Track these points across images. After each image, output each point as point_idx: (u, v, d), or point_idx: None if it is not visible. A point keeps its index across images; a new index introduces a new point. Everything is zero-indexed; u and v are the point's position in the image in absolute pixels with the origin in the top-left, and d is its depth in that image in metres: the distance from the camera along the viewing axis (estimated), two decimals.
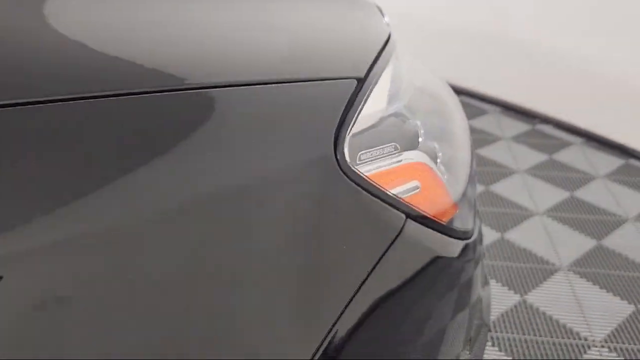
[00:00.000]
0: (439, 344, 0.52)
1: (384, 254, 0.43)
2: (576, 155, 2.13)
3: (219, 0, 0.49)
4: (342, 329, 0.41)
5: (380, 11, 0.65)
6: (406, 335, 0.48)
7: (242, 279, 0.38)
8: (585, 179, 1.95)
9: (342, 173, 0.43)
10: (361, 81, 0.48)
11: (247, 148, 0.38)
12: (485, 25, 2.44)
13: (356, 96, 0.47)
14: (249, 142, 0.39)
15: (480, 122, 2.38)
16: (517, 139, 2.24)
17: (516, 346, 1.24)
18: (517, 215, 1.73)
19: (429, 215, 0.49)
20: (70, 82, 0.35)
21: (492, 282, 1.43)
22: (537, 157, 2.10)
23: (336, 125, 0.44)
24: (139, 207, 0.34)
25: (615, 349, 1.24)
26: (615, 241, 1.60)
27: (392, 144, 0.48)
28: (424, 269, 0.47)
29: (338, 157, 0.43)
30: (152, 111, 0.37)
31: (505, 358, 1.22)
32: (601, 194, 1.86)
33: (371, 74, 0.49)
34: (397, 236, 0.45)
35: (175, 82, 0.38)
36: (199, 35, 0.44)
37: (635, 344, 1.25)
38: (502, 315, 1.32)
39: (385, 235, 0.45)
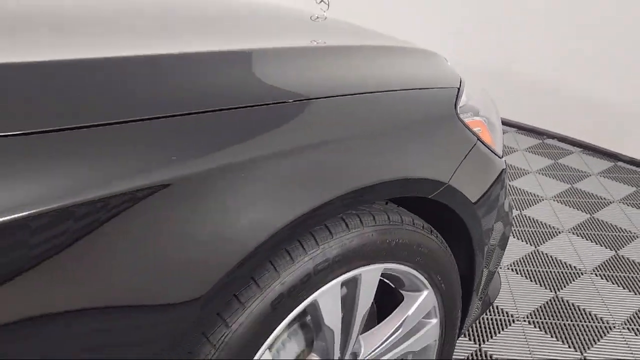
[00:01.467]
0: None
1: (468, 153, 1.03)
2: (575, 159, 2.73)
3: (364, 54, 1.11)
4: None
5: (445, 59, 1.27)
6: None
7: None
8: (582, 175, 2.55)
9: (458, 118, 1.03)
10: (458, 89, 1.10)
11: (416, 105, 1.00)
12: (498, 62, 3.08)
13: (457, 93, 1.08)
14: (417, 106, 1.00)
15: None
16: (530, 149, 2.85)
17: None
18: (529, 199, 2.32)
19: (484, 141, 1.09)
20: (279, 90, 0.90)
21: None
22: (545, 162, 2.70)
23: (454, 103, 1.05)
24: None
25: None
26: (604, 215, 2.19)
27: (469, 112, 1.09)
28: (485, 162, 1.08)
29: (457, 113, 1.04)
30: (346, 110, 0.92)
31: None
32: (594, 185, 2.45)
33: (460, 86, 1.11)
34: (474, 146, 1.04)
35: (365, 89, 0.98)
36: (372, 76, 1.04)
37: None
38: None
39: (469, 144, 1.03)
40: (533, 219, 2.15)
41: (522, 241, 1.99)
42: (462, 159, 0.99)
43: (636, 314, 1.61)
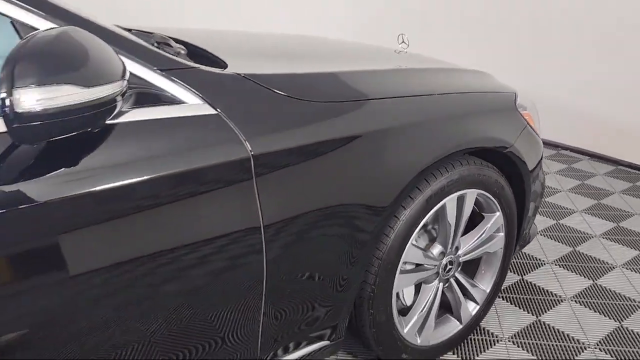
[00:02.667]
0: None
1: (522, 131, 1.65)
2: (585, 164, 3.37)
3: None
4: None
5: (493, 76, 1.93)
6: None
7: None
8: (590, 175, 3.19)
9: (516, 110, 1.67)
10: (515, 94, 1.75)
11: (495, 100, 1.65)
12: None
13: (515, 97, 1.73)
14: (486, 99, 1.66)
15: None
16: (549, 158, 3.50)
17: None
18: (548, 191, 2.95)
19: (531, 125, 1.73)
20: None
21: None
22: (560, 167, 3.35)
23: (514, 101, 1.69)
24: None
25: None
26: (607, 200, 2.81)
27: (521, 108, 1.73)
28: (531, 137, 1.71)
29: (515, 107, 1.68)
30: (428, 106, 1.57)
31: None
32: (601, 183, 3.09)
33: (515, 91, 1.77)
34: (525, 127, 1.66)
35: (461, 90, 1.64)
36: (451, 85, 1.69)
37: None
38: None
39: (522, 126, 1.65)
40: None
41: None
42: (519, 134, 1.64)
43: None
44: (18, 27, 0.88)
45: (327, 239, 1.22)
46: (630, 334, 1.80)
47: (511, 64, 3.58)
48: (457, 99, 1.56)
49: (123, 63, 0.88)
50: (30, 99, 0.73)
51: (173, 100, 1.00)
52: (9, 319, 0.85)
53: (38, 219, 0.84)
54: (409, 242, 1.40)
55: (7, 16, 0.86)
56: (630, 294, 2.01)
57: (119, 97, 0.85)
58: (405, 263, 1.43)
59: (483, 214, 1.64)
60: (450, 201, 1.46)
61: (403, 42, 2.33)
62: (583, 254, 2.30)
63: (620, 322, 1.86)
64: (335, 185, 1.22)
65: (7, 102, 0.72)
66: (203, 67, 1.11)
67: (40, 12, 0.89)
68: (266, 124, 1.10)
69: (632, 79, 3.16)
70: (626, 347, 1.74)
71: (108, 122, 0.89)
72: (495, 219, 1.63)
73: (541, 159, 1.77)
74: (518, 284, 2.08)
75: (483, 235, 1.62)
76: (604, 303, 1.96)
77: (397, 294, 1.49)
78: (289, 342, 1.28)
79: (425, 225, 1.47)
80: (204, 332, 1.09)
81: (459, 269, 1.62)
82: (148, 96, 0.99)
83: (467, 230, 1.62)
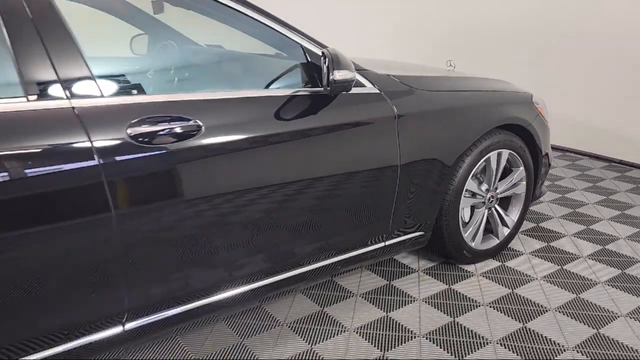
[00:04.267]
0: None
1: (536, 117, 2.61)
2: (586, 162, 4.32)
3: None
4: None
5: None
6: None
7: None
8: (589, 168, 4.14)
9: (532, 103, 2.64)
10: (531, 94, 2.72)
11: (517, 96, 2.63)
12: None
13: (532, 95, 2.71)
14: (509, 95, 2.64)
15: None
16: (566, 167, 4.45)
17: None
18: (563, 191, 3.89)
19: (541, 114, 2.68)
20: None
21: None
22: (565, 163, 4.29)
23: (530, 97, 2.67)
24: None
25: None
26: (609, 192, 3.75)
27: (536, 102, 2.71)
28: (542, 122, 2.66)
29: (532, 101, 2.66)
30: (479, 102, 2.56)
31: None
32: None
33: (531, 93, 2.74)
34: (537, 115, 2.62)
35: (493, 89, 2.62)
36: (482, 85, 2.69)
37: None
38: None
39: (536, 113, 2.62)
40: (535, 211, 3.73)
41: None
42: (534, 118, 2.61)
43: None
44: (306, 51, 1.88)
45: (427, 174, 2.19)
46: None
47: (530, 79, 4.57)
48: (497, 94, 2.54)
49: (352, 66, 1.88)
50: (338, 75, 1.73)
51: (362, 85, 2.00)
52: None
53: (308, 142, 1.83)
54: (469, 178, 2.36)
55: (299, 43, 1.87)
56: None
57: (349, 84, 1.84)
58: (466, 190, 2.39)
59: (512, 168, 2.60)
60: (492, 155, 2.43)
61: (450, 65, 3.34)
62: (594, 229, 3.24)
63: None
64: (433, 140, 2.19)
65: (332, 75, 1.73)
66: (371, 70, 2.10)
67: (314, 42, 1.90)
68: (401, 99, 2.09)
69: (627, 92, 4.14)
70: None
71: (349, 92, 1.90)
72: (519, 172, 2.59)
73: (548, 138, 2.74)
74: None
75: (512, 181, 2.58)
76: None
77: (461, 212, 2.44)
78: (404, 227, 2.23)
79: (476, 174, 2.43)
80: (359, 221, 2.05)
81: (497, 203, 2.57)
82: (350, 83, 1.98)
83: (502, 178, 2.58)
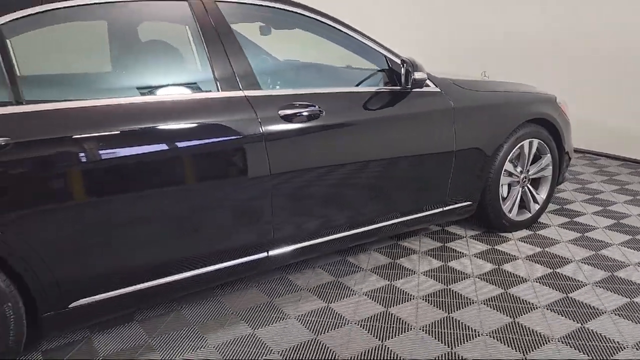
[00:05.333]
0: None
1: (559, 113, 3.23)
2: (615, 168, 4.90)
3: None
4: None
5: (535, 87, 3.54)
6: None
7: None
8: (615, 173, 4.72)
9: (557, 103, 3.26)
10: (555, 96, 3.35)
11: (543, 96, 3.25)
12: None
13: (556, 97, 3.33)
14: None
15: None
16: (583, 169, 5.04)
17: None
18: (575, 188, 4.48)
19: (563, 111, 3.30)
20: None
21: None
22: (591, 169, 4.88)
23: (555, 98, 3.29)
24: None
25: None
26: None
27: (560, 102, 3.33)
28: (564, 117, 3.28)
29: (556, 100, 3.28)
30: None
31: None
32: (626, 178, 4.61)
33: (555, 95, 3.37)
34: (560, 113, 3.23)
35: (522, 90, 3.24)
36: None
37: None
38: None
39: (560, 110, 3.24)
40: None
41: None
42: (558, 114, 3.24)
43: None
44: (388, 60, 2.56)
45: (475, 155, 2.83)
46: None
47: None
48: (527, 95, 3.18)
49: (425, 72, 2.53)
50: (417, 75, 2.42)
51: (428, 85, 2.66)
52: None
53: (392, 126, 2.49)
54: (507, 160, 2.99)
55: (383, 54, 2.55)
56: None
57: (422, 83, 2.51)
58: (504, 171, 3.01)
59: (541, 155, 3.22)
60: (525, 143, 3.05)
61: (485, 75, 3.99)
62: (610, 210, 3.82)
63: None
64: (479, 129, 2.83)
65: (413, 75, 2.41)
66: (433, 74, 2.76)
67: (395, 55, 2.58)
68: (455, 96, 2.74)
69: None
70: None
71: (419, 90, 2.57)
72: (547, 157, 3.20)
73: (569, 131, 3.36)
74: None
75: (541, 165, 3.20)
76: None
77: (500, 189, 3.06)
78: (458, 196, 2.86)
79: (512, 159, 3.05)
80: (424, 191, 2.69)
81: (529, 183, 3.19)
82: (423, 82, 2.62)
83: (533, 163, 3.20)
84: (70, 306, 1.80)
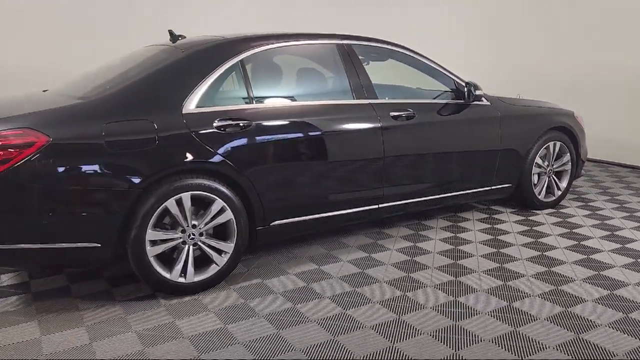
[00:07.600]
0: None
1: (576, 124, 4.35)
2: (624, 173, 5.97)
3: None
4: None
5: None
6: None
7: None
8: (623, 175, 5.78)
9: (574, 116, 4.40)
10: (573, 111, 4.48)
11: (562, 111, 4.38)
12: None
13: (574, 112, 4.47)
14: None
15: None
16: (598, 173, 6.10)
17: None
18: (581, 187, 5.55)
19: (579, 121, 4.42)
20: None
21: None
22: (604, 173, 5.95)
23: (572, 113, 4.40)
24: None
25: None
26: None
27: (577, 115, 4.46)
28: (580, 126, 4.40)
29: (573, 114, 4.42)
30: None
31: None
32: (634, 180, 5.67)
33: (574, 110, 4.50)
34: (576, 123, 4.33)
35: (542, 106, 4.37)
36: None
37: None
38: None
39: (577, 121, 4.37)
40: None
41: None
42: (575, 124, 4.37)
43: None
44: (455, 82, 3.76)
45: (512, 155, 3.97)
46: None
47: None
48: (551, 109, 4.32)
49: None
50: (477, 92, 3.66)
51: (482, 100, 3.84)
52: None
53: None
54: (536, 156, 4.13)
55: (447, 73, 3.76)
56: None
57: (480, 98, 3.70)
58: (535, 163, 4.14)
59: (562, 154, 4.34)
60: (550, 144, 4.19)
61: (519, 96, 5.15)
62: (619, 199, 4.91)
63: None
64: (516, 131, 3.98)
65: (474, 92, 3.62)
66: (487, 94, 3.94)
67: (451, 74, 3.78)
68: (501, 107, 3.92)
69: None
70: None
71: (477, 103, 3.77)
72: (567, 156, 4.33)
73: (584, 137, 4.47)
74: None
75: (562, 162, 4.32)
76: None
77: (532, 177, 4.17)
78: (500, 179, 4.01)
79: (541, 156, 4.18)
80: (476, 174, 3.86)
81: (554, 174, 4.31)
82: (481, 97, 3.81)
83: (556, 159, 4.32)
84: (271, 224, 2.99)
